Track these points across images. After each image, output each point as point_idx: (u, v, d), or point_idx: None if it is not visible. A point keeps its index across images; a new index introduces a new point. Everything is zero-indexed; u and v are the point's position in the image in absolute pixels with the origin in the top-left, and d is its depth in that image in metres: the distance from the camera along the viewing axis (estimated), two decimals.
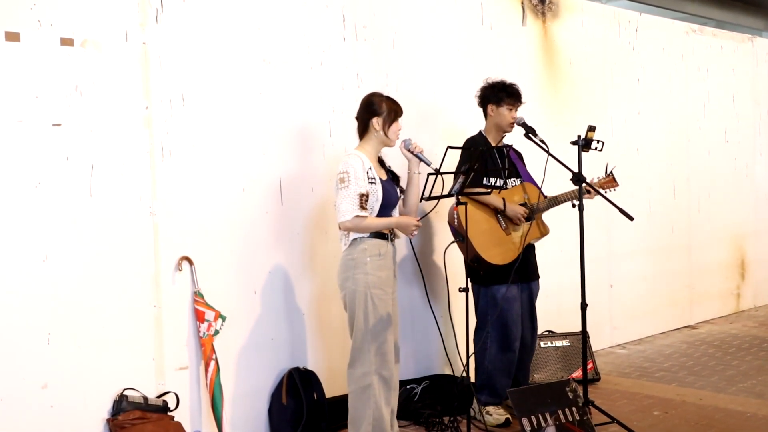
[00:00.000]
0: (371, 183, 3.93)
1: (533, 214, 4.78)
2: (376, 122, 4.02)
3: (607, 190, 4.79)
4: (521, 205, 4.78)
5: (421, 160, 4.09)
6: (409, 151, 4.10)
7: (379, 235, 3.97)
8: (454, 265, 4.94)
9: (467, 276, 4.27)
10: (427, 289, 4.62)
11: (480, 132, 4.87)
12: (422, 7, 5.39)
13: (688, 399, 5.15)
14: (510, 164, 4.87)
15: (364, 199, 3.88)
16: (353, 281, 3.95)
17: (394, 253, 4.08)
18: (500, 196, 4.70)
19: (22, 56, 3.67)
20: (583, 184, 4.47)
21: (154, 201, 4.09)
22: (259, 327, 4.51)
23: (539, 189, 4.78)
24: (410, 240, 4.34)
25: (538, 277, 4.95)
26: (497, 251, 4.64)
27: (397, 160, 4.30)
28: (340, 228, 3.98)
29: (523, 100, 4.83)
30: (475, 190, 4.52)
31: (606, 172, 4.85)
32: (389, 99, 4.09)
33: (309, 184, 4.73)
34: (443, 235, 5.38)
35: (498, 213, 4.72)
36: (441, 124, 5.45)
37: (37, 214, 3.72)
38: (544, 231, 4.89)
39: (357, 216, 3.86)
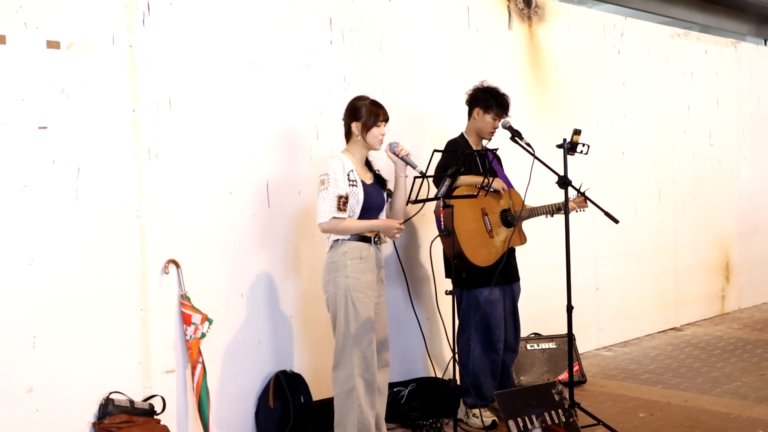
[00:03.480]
0: (352, 185, 3.93)
1: (516, 221, 4.79)
2: (355, 127, 4.02)
3: (578, 210, 4.87)
4: (504, 210, 4.80)
5: (407, 163, 4.07)
6: (394, 154, 4.07)
7: (361, 238, 3.97)
8: (438, 267, 4.96)
9: (451, 278, 4.25)
10: (410, 291, 4.63)
11: (462, 134, 4.88)
12: (409, 11, 5.41)
13: (673, 401, 5.17)
14: (491, 169, 4.86)
15: (342, 200, 3.88)
16: (334, 284, 3.95)
17: (378, 257, 4.07)
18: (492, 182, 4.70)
19: (7, 59, 3.66)
20: (570, 188, 4.50)
21: (141, 204, 4.09)
22: (245, 330, 4.50)
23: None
24: (394, 243, 4.35)
25: (519, 279, 4.97)
26: (480, 252, 4.65)
27: (386, 164, 4.30)
28: (320, 229, 3.99)
29: (509, 114, 4.83)
30: (463, 186, 4.51)
31: (578, 192, 4.82)
32: (372, 103, 4.06)
33: (296, 187, 4.73)
34: (427, 238, 5.37)
35: (484, 215, 4.73)
36: (427, 126, 5.46)
37: (23, 217, 3.71)
38: (523, 240, 4.91)
39: (334, 218, 3.87)
